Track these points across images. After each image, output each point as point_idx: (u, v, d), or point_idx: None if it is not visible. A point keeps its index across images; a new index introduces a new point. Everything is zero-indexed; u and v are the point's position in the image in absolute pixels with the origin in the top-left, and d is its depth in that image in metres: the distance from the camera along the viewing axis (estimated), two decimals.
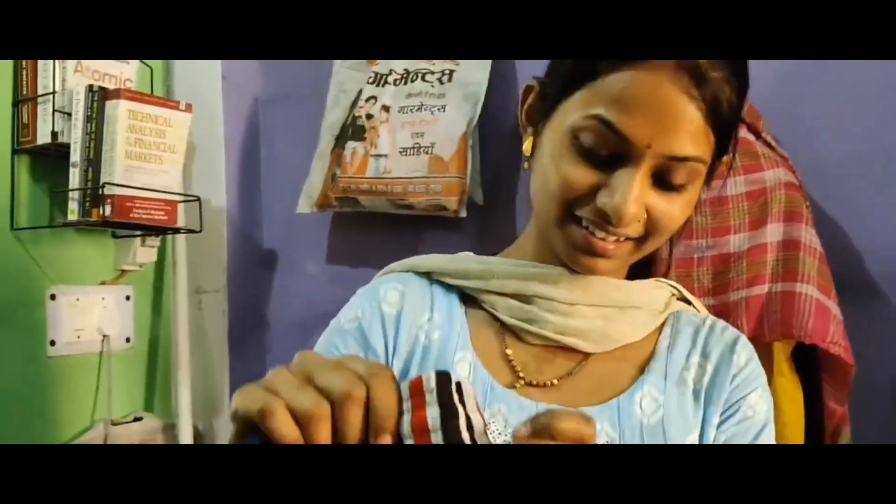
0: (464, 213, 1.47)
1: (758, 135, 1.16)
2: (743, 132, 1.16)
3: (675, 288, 0.81)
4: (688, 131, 0.63)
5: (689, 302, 0.83)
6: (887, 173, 1.22)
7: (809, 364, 1.10)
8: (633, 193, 0.64)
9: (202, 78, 1.75)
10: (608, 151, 0.65)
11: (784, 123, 1.25)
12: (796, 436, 1.09)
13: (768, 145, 1.15)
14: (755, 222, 1.11)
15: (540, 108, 0.73)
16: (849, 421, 1.11)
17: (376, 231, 1.67)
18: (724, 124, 0.66)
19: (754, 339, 1.09)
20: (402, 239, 1.65)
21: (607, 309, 0.74)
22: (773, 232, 1.10)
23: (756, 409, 0.74)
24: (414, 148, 1.49)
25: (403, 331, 0.77)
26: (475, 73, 1.49)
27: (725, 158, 0.72)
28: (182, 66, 1.76)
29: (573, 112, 0.66)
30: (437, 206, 1.48)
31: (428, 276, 0.81)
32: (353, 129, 1.56)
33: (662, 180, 0.66)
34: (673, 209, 0.68)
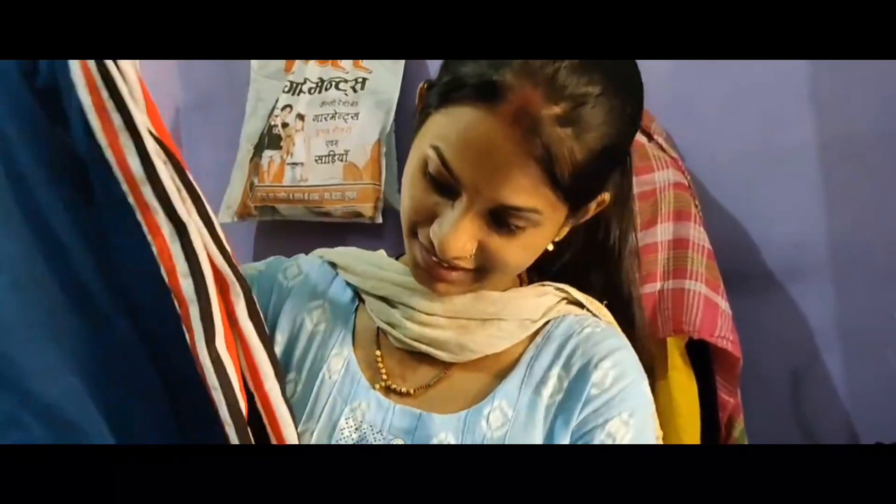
0: (380, 220, 1.49)
1: (650, 137, 1.20)
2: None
3: (564, 291, 0.77)
4: (518, 184, 0.62)
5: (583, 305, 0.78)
6: (779, 169, 1.27)
7: (703, 357, 1.15)
8: (457, 230, 0.65)
9: None
10: (446, 184, 0.65)
11: (681, 123, 1.29)
12: (692, 426, 1.13)
13: (660, 147, 1.19)
14: (647, 222, 1.15)
15: (420, 114, 0.71)
16: (741, 410, 1.15)
17: (299, 239, 1.68)
18: (569, 179, 0.63)
19: (649, 335, 1.13)
20: (323, 246, 1.66)
21: (466, 321, 0.74)
22: (664, 231, 1.14)
23: (616, 437, 0.68)
24: (329, 156, 1.51)
25: (288, 307, 0.79)
26: (387, 81, 1.51)
27: (600, 198, 0.71)
28: None
29: (429, 133, 0.66)
30: (353, 213, 1.49)
31: (335, 267, 0.82)
32: (269, 138, 1.57)
33: (499, 220, 0.65)
34: (508, 249, 0.67)
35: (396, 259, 0.81)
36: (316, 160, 1.52)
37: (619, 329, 0.77)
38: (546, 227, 0.67)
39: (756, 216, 1.27)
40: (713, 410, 1.15)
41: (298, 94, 1.57)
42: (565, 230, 0.72)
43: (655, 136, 1.19)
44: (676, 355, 1.13)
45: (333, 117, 1.52)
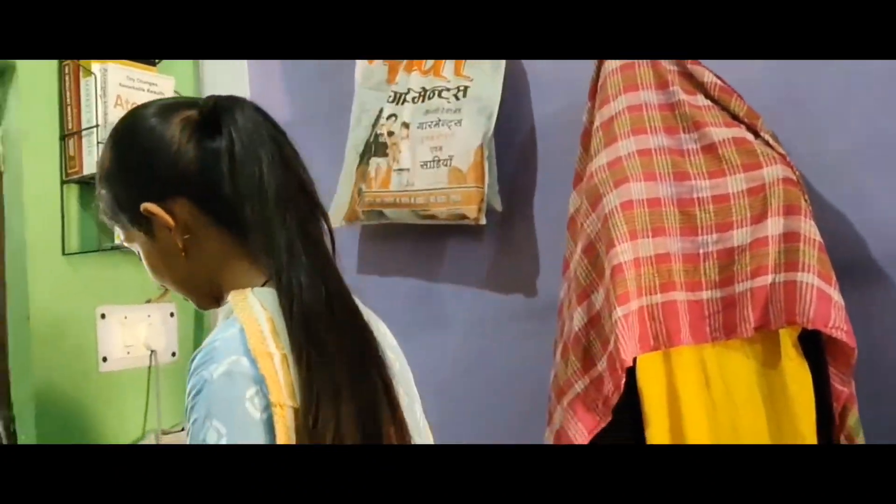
0: (483, 221, 1.55)
1: (756, 134, 1.22)
2: (742, 131, 1.23)
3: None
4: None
5: None
6: (886, 160, 1.27)
7: (815, 348, 1.16)
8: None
9: None
10: None
11: (784, 117, 1.31)
12: (807, 415, 1.14)
13: (766, 143, 1.21)
14: (756, 217, 1.17)
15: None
16: (855, 400, 1.16)
17: (402, 242, 1.76)
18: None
19: (762, 327, 1.16)
20: (426, 248, 1.73)
21: None
22: (774, 225, 1.16)
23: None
24: (434, 161, 1.58)
25: None
26: (488, 88, 1.57)
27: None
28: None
29: None
30: (457, 216, 1.56)
31: None
32: (375, 147, 1.65)
33: None
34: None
35: None
36: (421, 166, 1.58)
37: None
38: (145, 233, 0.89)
39: (862, 206, 1.27)
40: (825, 400, 1.16)
41: (403, 104, 1.64)
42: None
43: (762, 133, 1.22)
44: (789, 346, 1.15)
45: (437, 124, 1.58)
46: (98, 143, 1.58)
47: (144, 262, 0.89)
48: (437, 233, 1.70)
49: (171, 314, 1.79)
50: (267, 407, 0.73)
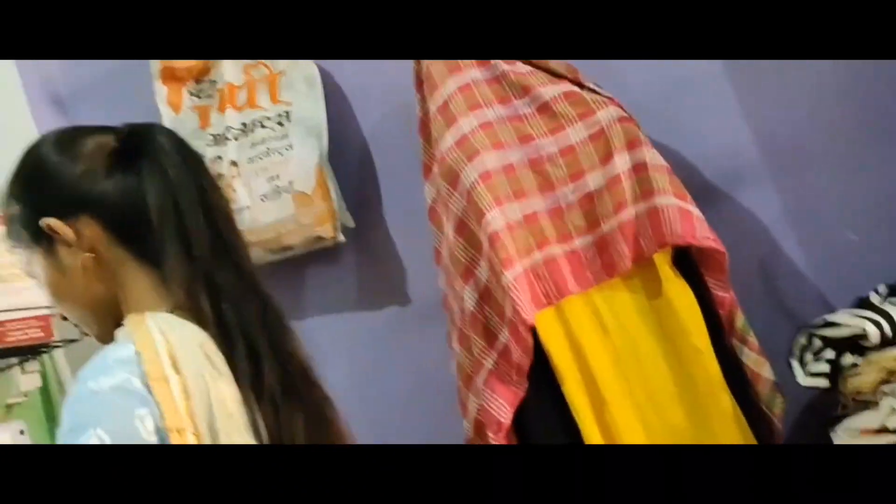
0: (342, 238, 1.51)
1: (581, 85, 1.28)
2: (568, 85, 1.28)
3: None
4: None
5: None
6: (693, 90, 1.37)
7: (690, 264, 1.23)
8: None
9: None
10: None
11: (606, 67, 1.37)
12: (698, 331, 1.20)
13: (593, 91, 1.27)
14: (604, 158, 1.23)
15: None
16: (738, 304, 1.23)
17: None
18: None
19: (637, 258, 1.20)
20: (285, 284, 1.66)
21: None
22: (622, 162, 1.22)
23: None
24: (274, 191, 1.52)
25: None
26: (310, 107, 1.54)
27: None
28: None
29: None
30: (314, 240, 1.51)
31: None
32: None
33: None
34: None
35: None
36: (262, 199, 1.52)
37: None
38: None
39: (692, 133, 1.35)
40: (712, 311, 1.22)
41: (225, 144, 1.57)
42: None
43: (586, 83, 1.28)
44: (666, 268, 1.21)
45: (268, 154, 1.53)
46: None
47: (45, 286, 0.86)
48: (293, 265, 1.64)
49: (22, 432, 1.60)
50: (158, 431, 0.72)
